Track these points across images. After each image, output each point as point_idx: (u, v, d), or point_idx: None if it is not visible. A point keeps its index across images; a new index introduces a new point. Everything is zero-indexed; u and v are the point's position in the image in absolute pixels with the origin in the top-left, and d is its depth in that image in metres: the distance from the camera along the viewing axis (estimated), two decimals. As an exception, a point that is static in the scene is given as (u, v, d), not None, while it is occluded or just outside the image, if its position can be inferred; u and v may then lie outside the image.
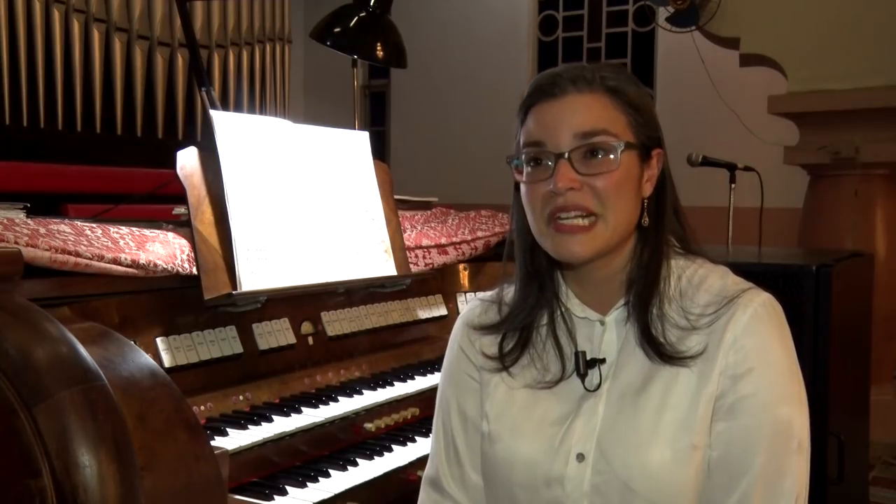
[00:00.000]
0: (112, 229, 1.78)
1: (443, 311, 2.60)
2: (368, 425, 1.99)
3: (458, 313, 2.44)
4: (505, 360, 1.31)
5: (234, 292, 1.86)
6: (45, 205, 2.70)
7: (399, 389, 2.12)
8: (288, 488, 1.68)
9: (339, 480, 1.76)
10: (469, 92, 7.98)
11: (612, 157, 1.19)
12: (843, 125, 4.76)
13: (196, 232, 1.86)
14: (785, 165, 5.12)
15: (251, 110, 6.00)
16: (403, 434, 2.02)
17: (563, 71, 1.24)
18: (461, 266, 2.69)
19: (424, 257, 2.49)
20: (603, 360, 1.24)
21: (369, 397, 2.03)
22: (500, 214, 2.85)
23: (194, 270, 1.85)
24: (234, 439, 1.68)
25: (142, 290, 1.78)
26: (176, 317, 1.84)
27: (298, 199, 2.11)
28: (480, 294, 1.42)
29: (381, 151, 8.15)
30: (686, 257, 1.27)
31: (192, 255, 1.86)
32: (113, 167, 4.42)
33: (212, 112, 2.00)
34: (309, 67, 8.55)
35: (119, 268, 1.69)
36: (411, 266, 2.42)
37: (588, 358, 1.24)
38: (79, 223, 1.77)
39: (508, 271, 1.36)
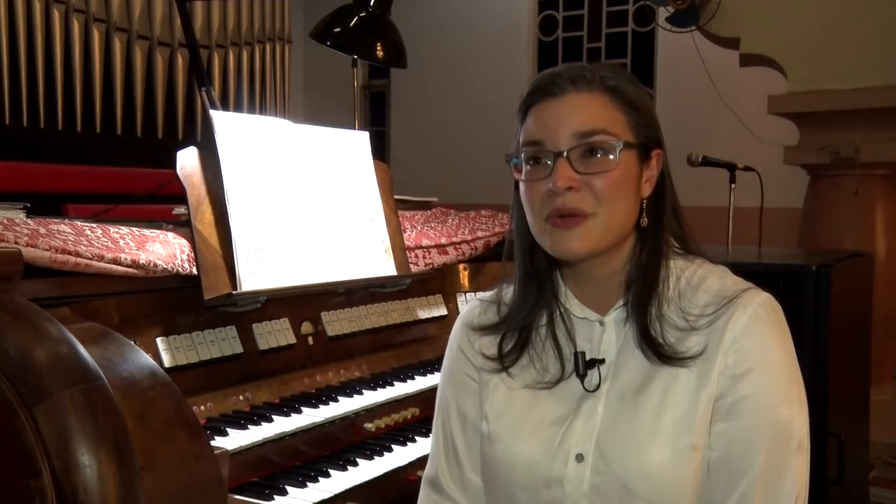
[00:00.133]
0: (112, 229, 1.78)
1: (443, 311, 2.60)
2: (368, 425, 1.99)
3: (458, 313, 2.44)
4: (504, 361, 1.30)
5: (234, 292, 1.86)
6: (45, 205, 2.69)
7: (399, 389, 2.12)
8: (288, 488, 1.68)
9: (339, 480, 1.76)
10: (469, 92, 7.98)
11: (610, 156, 1.19)
12: (843, 125, 4.76)
13: (196, 232, 1.86)
14: (785, 165, 5.12)
15: (251, 110, 6.00)
16: (403, 434, 2.02)
17: (562, 70, 1.24)
18: (461, 266, 2.69)
19: (424, 257, 2.49)
20: (602, 361, 1.24)
21: (369, 397, 2.03)
22: (500, 214, 2.85)
23: (194, 270, 1.85)
24: (234, 439, 1.68)
25: (142, 290, 1.78)
26: (176, 317, 1.84)
27: (298, 199, 2.11)
28: (480, 294, 1.42)
29: (381, 151, 8.15)
30: (685, 258, 1.27)
31: (192, 255, 1.86)
32: (113, 167, 4.42)
33: (212, 112, 2.00)
34: (309, 67, 8.55)
35: (119, 268, 1.69)
36: (411, 266, 2.42)
37: (587, 358, 1.24)
38: (79, 223, 1.77)
39: (508, 271, 1.36)
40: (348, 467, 1.82)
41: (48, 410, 1.15)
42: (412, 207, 2.90)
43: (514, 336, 1.31)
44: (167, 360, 1.78)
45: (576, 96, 1.21)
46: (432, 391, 1.95)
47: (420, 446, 1.97)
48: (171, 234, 1.88)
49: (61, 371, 1.19)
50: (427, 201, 3.01)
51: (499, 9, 8.00)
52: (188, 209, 1.88)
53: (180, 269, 1.82)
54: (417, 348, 2.43)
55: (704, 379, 1.18)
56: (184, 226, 1.94)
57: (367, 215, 2.30)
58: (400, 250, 2.37)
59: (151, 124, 5.40)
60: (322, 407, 1.92)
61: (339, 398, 1.99)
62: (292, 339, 2.08)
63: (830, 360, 2.30)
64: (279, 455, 1.78)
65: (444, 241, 2.56)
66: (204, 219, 1.89)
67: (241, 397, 1.88)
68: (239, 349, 1.94)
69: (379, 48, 3.08)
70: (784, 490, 1.15)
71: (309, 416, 1.86)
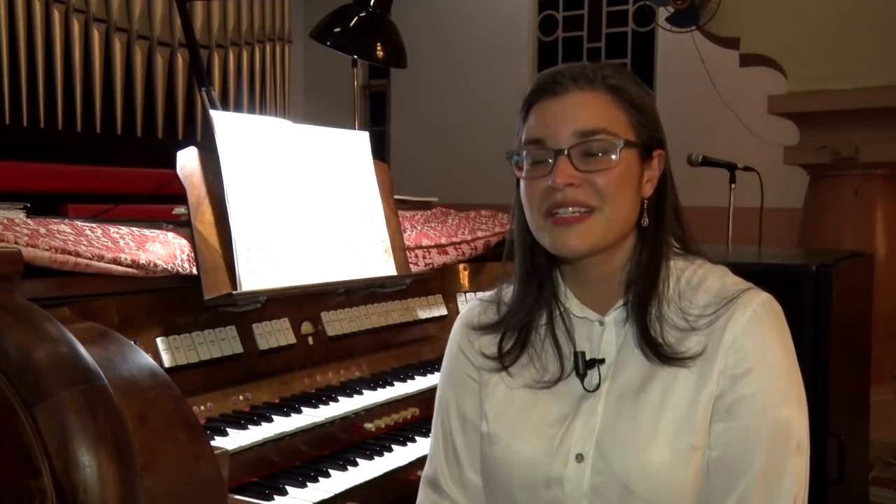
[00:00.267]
0: (112, 229, 1.78)
1: (443, 311, 2.60)
2: (368, 425, 1.99)
3: (458, 313, 2.43)
4: (504, 360, 1.30)
5: (234, 292, 1.86)
6: (45, 205, 2.69)
7: (399, 389, 2.12)
8: (288, 488, 1.68)
9: (339, 480, 1.76)
10: (469, 92, 7.98)
11: (611, 156, 1.20)
12: (843, 125, 4.76)
13: (196, 232, 1.86)
14: (785, 165, 5.12)
15: (251, 110, 6.00)
16: (403, 434, 2.02)
17: (565, 69, 1.24)
18: (461, 266, 2.69)
19: (424, 257, 2.49)
20: (602, 361, 1.24)
21: (369, 397, 2.03)
22: (500, 214, 2.85)
23: (194, 270, 1.85)
24: (234, 439, 1.68)
25: (142, 290, 1.78)
26: (176, 317, 1.84)
27: (298, 199, 2.11)
28: (479, 294, 1.42)
29: (381, 151, 8.15)
30: (685, 258, 1.27)
31: (192, 255, 1.86)
32: (113, 167, 4.41)
33: (212, 112, 2.00)
34: (309, 67, 8.55)
35: (119, 268, 1.69)
36: (411, 266, 2.42)
37: (587, 358, 1.24)
38: (79, 223, 1.77)
39: (508, 271, 1.36)
40: (348, 467, 1.82)
41: (48, 410, 1.15)
42: (412, 207, 2.90)
43: (514, 335, 1.31)
44: (167, 360, 1.78)
45: (578, 95, 1.21)
46: (432, 391, 1.95)
47: (420, 446, 1.97)
48: (171, 234, 1.88)
49: (61, 371, 1.19)
50: (427, 201, 3.01)
51: (499, 9, 8.00)
52: (188, 209, 1.88)
53: (180, 269, 1.82)
54: (417, 348, 2.43)
55: (704, 379, 1.18)
56: (184, 226, 1.94)
57: (367, 215, 2.30)
58: (400, 250, 2.37)
59: (151, 124, 5.40)
60: (322, 407, 1.92)
61: (339, 398, 1.99)
62: (292, 339, 2.08)
63: (830, 360, 2.30)
64: (279, 455, 1.78)
65: (444, 241, 2.56)
66: (204, 219, 1.89)
67: (241, 397, 1.88)
68: (239, 349, 1.94)
69: (379, 48, 3.08)
70: (783, 490, 1.15)
71: (309, 416, 1.86)
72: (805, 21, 4.85)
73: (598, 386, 1.23)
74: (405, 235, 2.45)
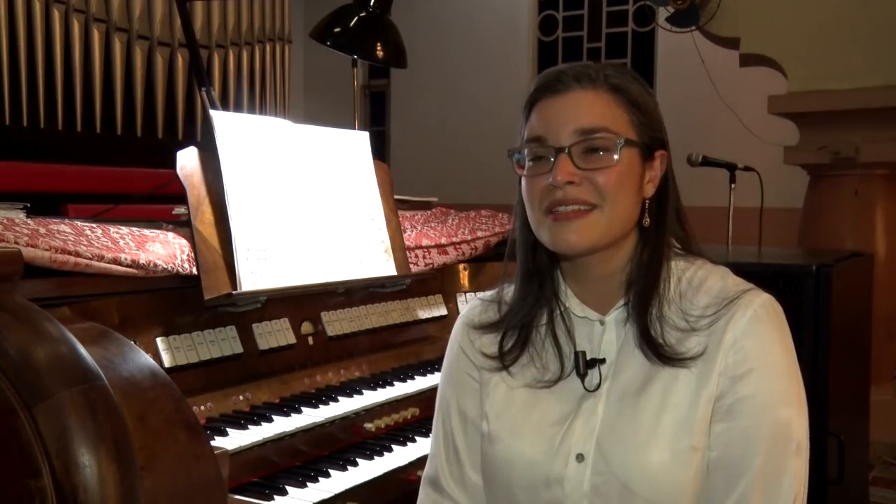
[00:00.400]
0: (112, 229, 1.78)
1: (443, 311, 2.60)
2: (368, 425, 1.99)
3: (458, 313, 2.43)
4: (505, 359, 1.31)
5: (234, 292, 1.86)
6: (45, 205, 2.69)
7: (399, 389, 2.12)
8: (288, 488, 1.68)
9: (339, 480, 1.76)
10: (469, 92, 7.98)
11: (612, 154, 1.20)
12: (843, 125, 4.76)
13: (196, 232, 1.86)
14: (785, 165, 5.12)
15: (251, 110, 6.00)
16: (403, 434, 2.02)
17: (567, 68, 1.25)
18: (461, 266, 2.69)
19: (424, 257, 2.49)
20: (603, 361, 1.24)
21: (369, 397, 2.03)
22: (500, 214, 2.85)
23: (194, 270, 1.85)
24: (234, 439, 1.68)
25: (142, 290, 1.78)
26: (176, 317, 1.84)
27: (298, 199, 2.11)
28: (480, 294, 1.42)
29: (381, 151, 8.15)
30: (686, 259, 1.27)
31: (192, 255, 1.86)
32: (113, 167, 4.41)
33: (212, 112, 2.00)
34: (309, 67, 8.55)
35: (119, 268, 1.69)
36: (411, 266, 2.42)
37: (588, 358, 1.24)
38: (79, 223, 1.77)
39: (509, 271, 1.36)
40: (348, 467, 1.82)
41: (48, 410, 1.15)
42: (412, 207, 2.90)
43: (515, 334, 1.31)
44: (167, 360, 1.78)
45: (579, 93, 1.22)
46: (432, 391, 1.94)
47: (420, 446, 1.97)
48: (171, 234, 1.88)
49: (61, 371, 1.19)
50: (427, 201, 3.01)
51: (499, 9, 8.00)
52: (188, 209, 1.88)
53: (180, 269, 1.82)
54: (417, 348, 2.43)
55: (705, 379, 1.18)
56: (184, 226, 1.94)
57: (367, 215, 2.30)
58: (400, 250, 2.37)
59: (151, 124, 5.39)
60: (322, 407, 1.92)
61: (339, 398, 1.99)
62: (292, 339, 2.08)
63: (830, 360, 2.30)
64: (279, 455, 1.78)
65: (444, 241, 2.56)
66: (204, 219, 1.89)
67: (241, 397, 1.88)
68: (239, 349, 1.94)
69: (379, 48, 3.08)
70: (783, 490, 1.15)
71: (309, 416, 1.86)
72: (805, 21, 4.85)
73: (599, 386, 1.23)
74: (405, 235, 2.45)
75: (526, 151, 1.24)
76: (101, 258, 1.65)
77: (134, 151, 5.05)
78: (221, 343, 1.91)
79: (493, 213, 2.86)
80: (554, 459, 1.21)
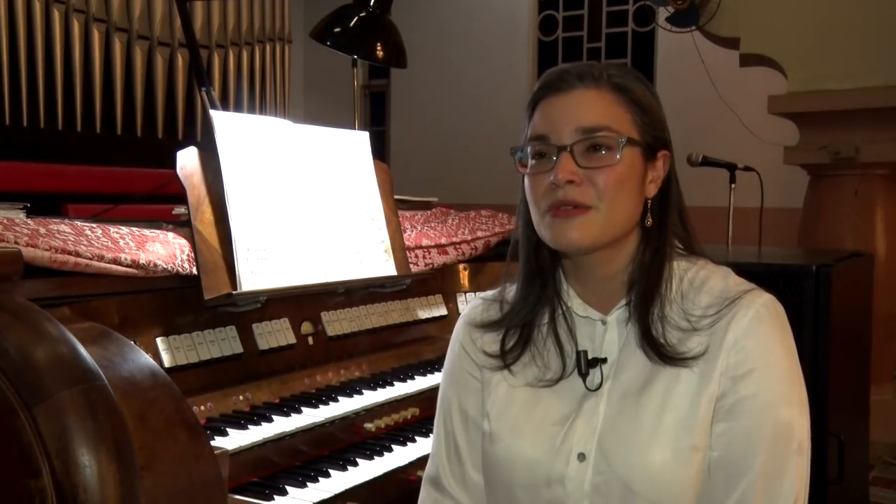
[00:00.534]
0: (112, 229, 1.78)
1: (443, 311, 2.60)
2: (368, 425, 1.99)
3: (458, 313, 2.43)
4: (506, 358, 1.31)
5: (234, 292, 1.86)
6: (45, 205, 2.69)
7: (399, 389, 2.12)
8: (288, 488, 1.68)
9: (339, 480, 1.76)
10: (469, 92, 7.98)
11: (613, 153, 1.20)
12: (843, 125, 4.76)
13: (196, 232, 1.86)
14: (785, 165, 5.12)
15: (251, 110, 6.00)
16: (403, 434, 2.02)
17: (571, 67, 1.25)
18: (461, 266, 2.69)
19: (424, 257, 2.49)
20: (604, 360, 1.24)
21: (369, 397, 2.03)
22: (500, 214, 2.85)
23: (194, 270, 1.85)
24: (234, 439, 1.68)
25: (142, 290, 1.78)
26: (176, 317, 1.84)
27: (298, 199, 2.11)
28: (482, 293, 1.42)
29: (381, 151, 8.15)
30: (688, 259, 1.27)
31: (192, 255, 1.86)
32: (113, 167, 4.41)
33: (212, 112, 2.00)
34: (309, 67, 8.55)
35: (119, 268, 1.69)
36: (411, 266, 2.42)
37: (589, 357, 1.24)
38: (79, 223, 1.77)
39: (510, 271, 1.36)
40: (348, 467, 1.82)
41: (48, 410, 1.15)
42: (412, 207, 2.90)
43: (516, 333, 1.31)
44: (167, 360, 1.78)
45: (582, 92, 1.22)
46: (432, 391, 1.95)
47: (420, 446, 1.97)
48: (171, 234, 1.88)
49: (61, 371, 1.19)
50: (427, 201, 3.01)
51: (499, 9, 8.00)
52: (188, 209, 1.88)
53: (180, 269, 1.82)
54: (417, 348, 2.43)
55: (706, 379, 1.18)
56: (184, 226, 1.94)
57: (367, 215, 2.30)
58: (400, 250, 2.37)
59: (151, 124, 5.39)
60: (322, 407, 1.92)
61: (339, 398, 1.99)
62: (292, 339, 2.08)
63: (830, 360, 2.30)
64: (279, 455, 1.78)
65: (444, 241, 2.56)
66: (204, 219, 1.89)
67: (241, 397, 1.88)
68: (239, 349, 1.94)
69: (379, 48, 3.08)
70: (784, 491, 1.15)
71: (309, 416, 1.86)
72: (805, 21, 4.85)
73: (601, 385, 1.23)
74: (405, 235, 2.45)
75: (528, 149, 1.24)
76: (101, 258, 1.65)
77: (134, 151, 5.05)
78: (221, 343, 1.91)
79: (493, 213, 2.86)
80: (555, 459, 1.21)
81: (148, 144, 5.29)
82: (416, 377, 2.22)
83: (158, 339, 1.79)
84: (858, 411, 2.92)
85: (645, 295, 1.22)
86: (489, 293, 1.40)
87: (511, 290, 1.35)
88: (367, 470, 1.82)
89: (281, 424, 1.79)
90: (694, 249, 1.29)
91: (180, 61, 5.49)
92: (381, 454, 1.90)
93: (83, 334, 1.34)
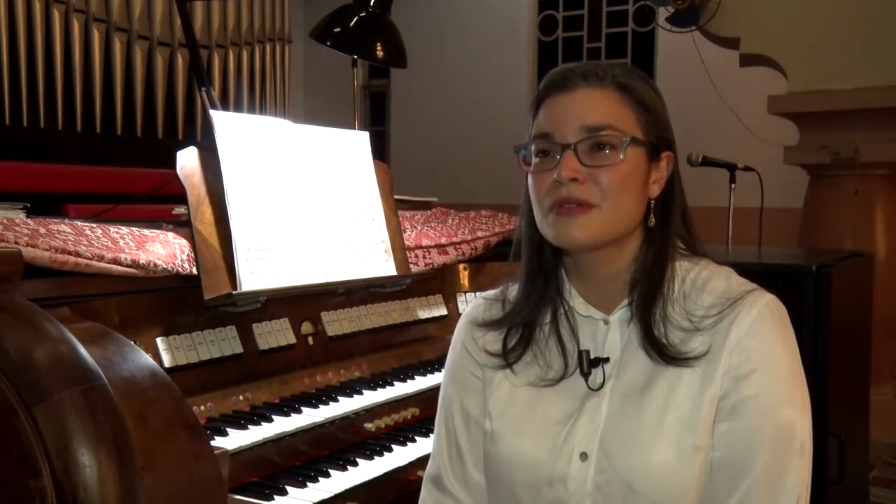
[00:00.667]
0: (112, 229, 1.78)
1: (443, 311, 2.60)
2: (368, 425, 1.99)
3: (458, 313, 2.43)
4: (508, 357, 1.31)
5: (234, 292, 1.86)
6: (45, 205, 2.69)
7: (399, 389, 2.12)
8: (288, 488, 1.68)
9: (339, 480, 1.75)
10: (469, 92, 7.98)
11: (617, 152, 1.20)
12: (843, 125, 4.76)
13: (196, 232, 1.86)
14: (785, 165, 5.12)
15: (251, 110, 5.99)
16: (403, 434, 2.02)
17: (576, 66, 1.26)
18: (461, 266, 2.69)
19: (424, 257, 2.49)
20: (606, 360, 1.24)
21: (369, 397, 2.03)
22: (500, 214, 2.85)
23: (194, 270, 1.85)
24: (234, 439, 1.68)
25: (142, 290, 1.78)
26: (176, 317, 1.84)
27: (298, 199, 2.11)
28: (484, 292, 1.42)
29: (381, 151, 8.15)
30: (690, 259, 1.27)
31: (192, 255, 1.86)
32: (113, 167, 4.41)
33: (212, 112, 2.00)
34: (309, 67, 8.55)
35: (119, 268, 1.69)
36: (411, 266, 2.42)
37: (592, 357, 1.24)
38: (79, 223, 1.77)
39: (513, 271, 1.36)
40: (348, 467, 1.82)
41: (48, 410, 1.15)
42: (412, 207, 2.89)
43: (518, 332, 1.31)
44: (167, 360, 1.78)
45: (587, 91, 1.22)
46: (432, 391, 1.95)
47: (420, 446, 1.97)
48: (171, 234, 1.88)
49: (61, 371, 1.19)
50: (427, 201, 3.01)
51: (499, 9, 8.00)
52: (188, 209, 1.88)
53: (180, 269, 1.82)
54: (417, 348, 2.43)
55: (708, 379, 1.18)
56: (184, 226, 1.94)
57: (367, 215, 2.30)
58: (400, 250, 2.37)
59: (151, 124, 5.39)
60: (322, 407, 1.92)
61: (339, 398, 1.99)
62: (292, 339, 2.08)
63: (830, 360, 2.30)
64: (279, 455, 1.78)
65: (444, 241, 2.56)
66: (204, 219, 1.89)
67: (241, 397, 1.88)
68: (239, 349, 1.94)
69: (379, 48, 3.08)
70: (785, 491, 1.15)
71: (309, 416, 1.85)
72: (805, 21, 4.85)
73: (603, 385, 1.23)
74: (405, 235, 2.45)
75: (532, 147, 1.25)
76: (101, 258, 1.65)
77: (134, 151, 5.04)
78: (221, 343, 1.91)
79: (493, 213, 2.86)
80: (557, 458, 1.21)
81: (148, 144, 5.29)
82: (416, 377, 2.22)
83: (158, 339, 1.79)
84: (858, 411, 2.92)
85: (647, 295, 1.22)
86: (491, 292, 1.40)
87: (513, 290, 1.35)
88: (367, 470, 1.82)
89: (281, 424, 1.79)
90: (696, 250, 1.29)
91: (180, 61, 5.49)
92: (381, 454, 1.90)
93: (83, 334, 1.34)
